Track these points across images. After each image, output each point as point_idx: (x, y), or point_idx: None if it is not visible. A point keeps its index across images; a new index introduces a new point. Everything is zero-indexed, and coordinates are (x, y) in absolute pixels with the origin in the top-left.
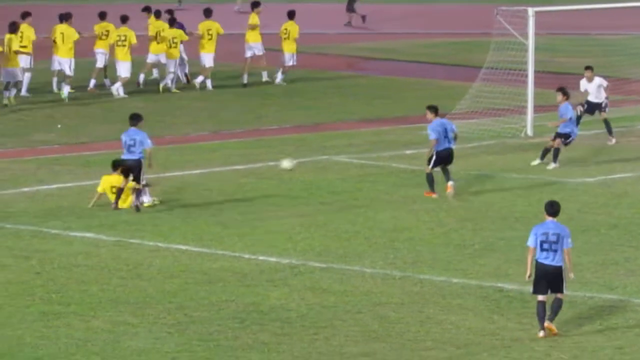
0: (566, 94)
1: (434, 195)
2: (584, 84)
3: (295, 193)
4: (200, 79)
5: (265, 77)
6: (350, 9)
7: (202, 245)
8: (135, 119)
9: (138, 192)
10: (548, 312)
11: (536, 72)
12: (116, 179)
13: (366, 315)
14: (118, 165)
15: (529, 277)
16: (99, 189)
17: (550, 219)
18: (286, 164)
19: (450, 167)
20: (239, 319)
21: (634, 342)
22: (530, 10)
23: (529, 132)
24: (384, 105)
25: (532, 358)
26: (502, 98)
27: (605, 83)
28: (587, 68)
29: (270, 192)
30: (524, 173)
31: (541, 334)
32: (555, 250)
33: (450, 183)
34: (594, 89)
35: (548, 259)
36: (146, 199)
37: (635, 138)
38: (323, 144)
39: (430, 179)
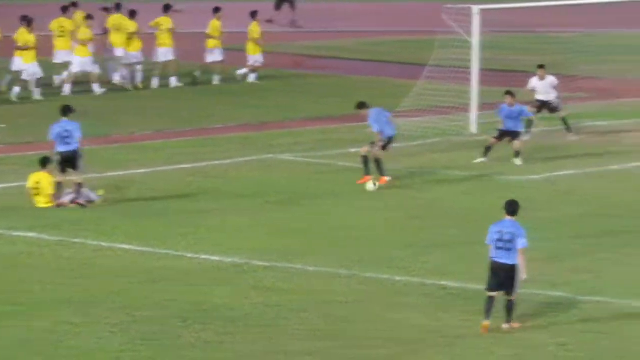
0: (514, 95)
1: (388, 179)
2: (534, 82)
3: (240, 192)
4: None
5: (216, 81)
6: (287, 6)
7: (146, 244)
8: (66, 111)
9: (78, 188)
10: (504, 314)
11: (481, 70)
12: (43, 176)
13: (311, 314)
14: (48, 162)
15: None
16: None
17: (508, 217)
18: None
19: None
20: (182, 318)
21: (577, 339)
22: (475, 8)
23: (473, 129)
24: (331, 104)
25: (475, 355)
26: (447, 96)
27: (556, 82)
28: (540, 67)
29: (215, 191)
30: (468, 170)
31: (485, 322)
32: (509, 249)
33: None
34: (544, 87)
35: (501, 258)
36: (93, 196)
37: (582, 135)
38: (269, 143)
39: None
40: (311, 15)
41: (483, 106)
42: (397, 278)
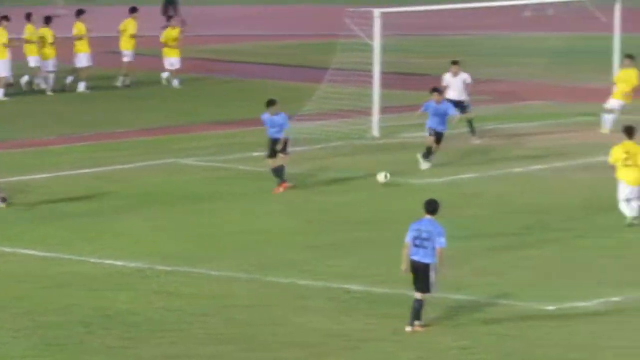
0: (442, 92)
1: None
2: (447, 78)
3: (143, 197)
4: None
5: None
6: (169, 11)
7: (49, 249)
8: None
9: None
10: (410, 316)
11: (383, 73)
12: None
13: (214, 318)
14: None
15: (405, 270)
16: None
17: (427, 217)
18: (380, 178)
19: None
20: (85, 323)
21: (481, 342)
22: (377, 12)
23: (376, 133)
24: (234, 108)
25: (379, 358)
26: (349, 99)
27: (469, 79)
28: (455, 63)
29: (119, 195)
30: (371, 174)
31: (408, 329)
32: (426, 248)
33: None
34: (458, 84)
35: (417, 256)
36: None
37: (485, 139)
38: (173, 147)
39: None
40: (208, 18)
41: (385, 109)
42: (301, 282)
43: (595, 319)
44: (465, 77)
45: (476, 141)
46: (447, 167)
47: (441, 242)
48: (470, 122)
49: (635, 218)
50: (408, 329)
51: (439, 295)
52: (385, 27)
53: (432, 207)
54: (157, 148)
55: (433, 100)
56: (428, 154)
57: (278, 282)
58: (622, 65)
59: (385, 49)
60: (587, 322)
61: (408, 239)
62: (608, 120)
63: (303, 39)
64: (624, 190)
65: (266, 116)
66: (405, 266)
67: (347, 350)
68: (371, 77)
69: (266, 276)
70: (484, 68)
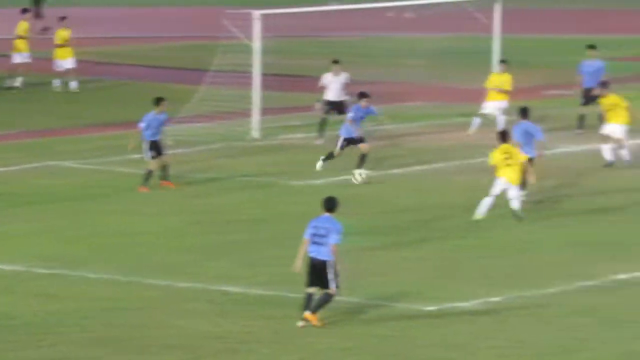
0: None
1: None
2: (327, 77)
3: (22, 199)
4: None
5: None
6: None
7: None
8: None
9: None
10: (312, 305)
11: (263, 74)
12: None
13: (92, 321)
14: None
15: (298, 267)
16: None
17: (326, 214)
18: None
19: None
20: None
21: (362, 343)
22: (256, 13)
23: (255, 134)
24: (114, 110)
25: None
26: (230, 101)
27: (348, 79)
28: (335, 62)
29: None
30: (251, 175)
31: (300, 323)
32: (321, 244)
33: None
34: (337, 84)
35: (314, 252)
36: None
37: (368, 139)
38: (53, 150)
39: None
40: (87, 20)
41: (265, 111)
42: (180, 284)
43: (475, 318)
44: (345, 76)
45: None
46: (328, 168)
47: (335, 238)
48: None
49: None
50: (300, 322)
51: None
52: (264, 28)
53: (329, 204)
54: (37, 150)
55: (360, 104)
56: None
57: (157, 284)
58: (496, 70)
59: (264, 50)
60: (467, 322)
61: (306, 235)
62: (475, 123)
63: (184, 41)
64: (499, 187)
65: (151, 115)
66: (298, 262)
67: (225, 353)
68: (251, 78)
69: (145, 278)
70: (364, 69)
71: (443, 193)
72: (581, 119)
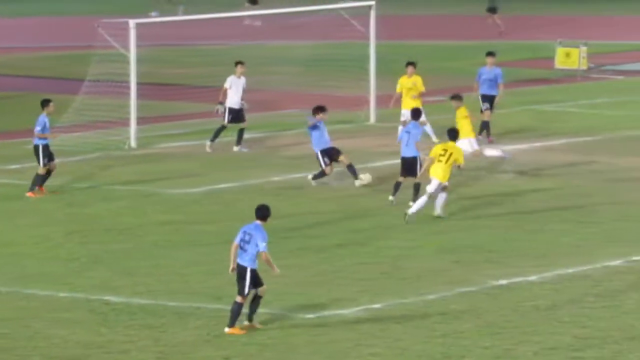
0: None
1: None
2: (231, 80)
3: None
4: None
5: None
6: None
7: None
8: None
9: None
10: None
11: (139, 83)
12: None
13: None
14: None
15: (231, 271)
16: None
17: (257, 221)
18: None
19: None
20: None
21: (241, 351)
22: (131, 22)
23: (133, 143)
24: None
25: None
26: (106, 110)
27: (245, 84)
28: (240, 63)
29: None
30: (129, 185)
31: (226, 330)
32: (245, 250)
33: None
34: (240, 88)
35: (239, 258)
36: None
37: (245, 148)
38: None
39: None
40: None
41: (141, 120)
42: (61, 294)
43: (355, 326)
44: (244, 80)
45: (243, 149)
46: (205, 177)
47: (261, 246)
48: (241, 130)
49: (439, 215)
50: (226, 329)
51: (199, 305)
52: (140, 37)
53: (260, 212)
54: None
55: (318, 119)
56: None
57: (37, 294)
58: (405, 73)
59: (140, 59)
60: (348, 330)
61: (236, 240)
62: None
63: (56, 51)
64: (431, 187)
65: (42, 118)
66: (232, 266)
67: None
68: (127, 87)
69: (24, 288)
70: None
71: (322, 200)
72: (485, 124)
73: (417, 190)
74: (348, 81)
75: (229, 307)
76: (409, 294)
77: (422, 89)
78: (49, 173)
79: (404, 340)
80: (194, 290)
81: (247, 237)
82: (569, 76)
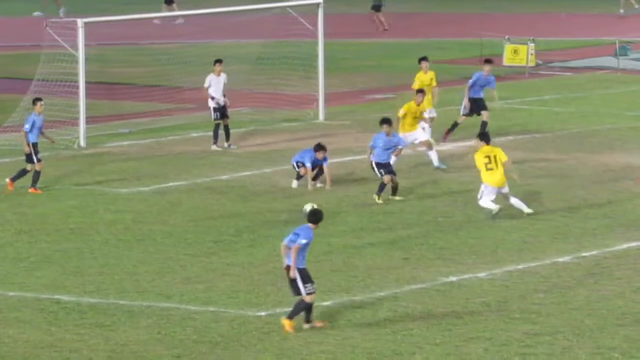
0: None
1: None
2: (211, 78)
3: None
4: None
5: None
6: None
7: None
8: None
9: None
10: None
11: (87, 83)
12: None
13: None
14: None
15: (286, 268)
16: None
17: (308, 224)
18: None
19: None
20: None
21: (192, 350)
22: (79, 21)
23: (82, 143)
24: None
25: None
26: (55, 110)
27: (226, 80)
28: (218, 61)
29: None
30: (79, 184)
31: (306, 325)
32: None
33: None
34: (221, 85)
35: (289, 258)
36: None
37: (233, 146)
38: None
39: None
40: None
41: (90, 119)
42: (11, 293)
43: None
44: (225, 77)
45: (233, 146)
46: (154, 176)
47: (299, 240)
48: (227, 128)
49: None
50: (306, 325)
51: (148, 304)
52: (88, 36)
53: (313, 217)
54: None
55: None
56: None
57: None
58: (420, 69)
59: (88, 59)
60: (298, 328)
61: (285, 240)
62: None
63: (6, 50)
64: (488, 194)
65: (32, 116)
66: (285, 264)
67: None
68: (76, 87)
69: None
70: (185, 76)
71: (272, 198)
72: (455, 125)
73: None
74: (297, 79)
75: (179, 306)
76: (359, 292)
77: (435, 84)
78: (25, 172)
79: (354, 337)
80: (144, 288)
81: (294, 237)
82: (517, 73)
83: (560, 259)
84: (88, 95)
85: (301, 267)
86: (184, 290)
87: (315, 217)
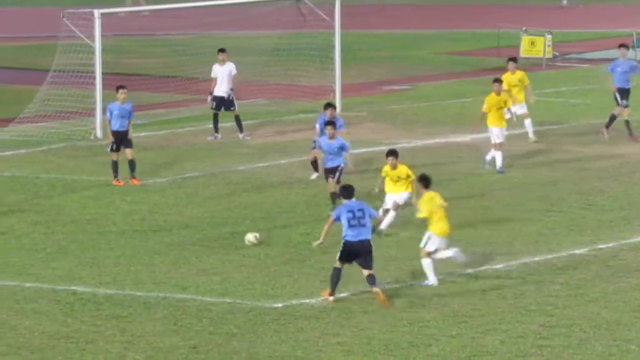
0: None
1: None
2: (216, 68)
3: None
4: None
5: None
6: None
7: None
8: None
9: None
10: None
11: (104, 74)
12: None
13: None
14: None
15: (319, 244)
16: None
17: (347, 201)
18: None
19: None
20: None
21: (208, 341)
22: (96, 12)
23: (98, 134)
24: None
25: (106, 359)
26: (71, 100)
27: (235, 70)
28: (221, 50)
29: None
30: (95, 175)
31: (331, 298)
32: (364, 225)
33: None
34: (226, 74)
35: (358, 236)
36: None
37: (247, 137)
38: None
39: None
40: None
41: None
42: (27, 284)
43: (322, 315)
44: (232, 67)
45: (247, 137)
46: (171, 167)
47: (373, 213)
48: (237, 118)
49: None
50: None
51: (165, 295)
52: (104, 27)
53: (346, 192)
54: None
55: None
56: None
57: (3, 284)
58: (508, 69)
59: (105, 50)
60: (314, 319)
61: (335, 214)
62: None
63: (19, 41)
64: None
65: (115, 105)
66: (322, 240)
67: (73, 352)
68: (93, 78)
69: None
70: (202, 67)
71: (288, 189)
72: (612, 119)
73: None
74: (313, 71)
75: (195, 297)
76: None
77: (527, 82)
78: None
79: (370, 329)
80: (160, 280)
81: (359, 214)
82: (534, 64)
83: (577, 251)
84: (104, 86)
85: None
86: (200, 282)
87: (346, 192)
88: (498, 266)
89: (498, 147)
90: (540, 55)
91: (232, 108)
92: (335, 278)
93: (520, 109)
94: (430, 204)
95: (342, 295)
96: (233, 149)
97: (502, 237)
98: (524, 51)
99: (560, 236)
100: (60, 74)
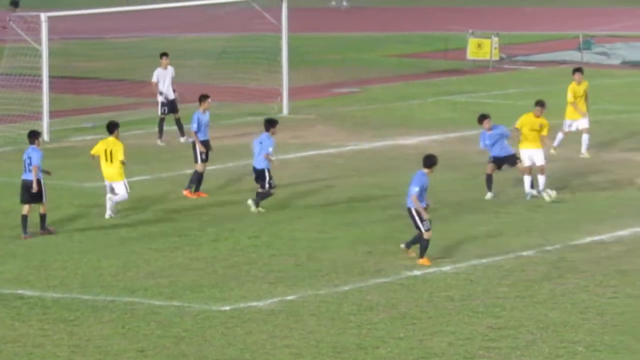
0: None
1: None
2: (158, 72)
3: None
4: None
5: None
6: None
7: None
8: None
9: None
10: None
11: (51, 77)
12: None
13: None
14: None
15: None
16: None
17: (423, 169)
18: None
19: None
20: None
21: (156, 345)
22: (43, 16)
23: (46, 137)
24: None
25: None
26: (18, 104)
27: (173, 73)
28: (163, 55)
29: None
30: (42, 178)
31: (419, 261)
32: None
33: None
34: (169, 79)
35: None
36: None
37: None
38: None
39: None
40: None
41: (53, 113)
42: None
43: (270, 317)
44: (172, 70)
45: (182, 139)
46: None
47: (413, 190)
48: (178, 121)
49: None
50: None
51: (112, 299)
52: (51, 31)
53: (426, 161)
54: None
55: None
56: None
57: None
58: (574, 80)
59: (52, 53)
60: (262, 322)
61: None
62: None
63: None
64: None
65: (197, 115)
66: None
67: (21, 356)
68: (40, 81)
69: None
70: (151, 70)
71: (235, 191)
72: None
73: (259, 198)
74: (261, 73)
75: (143, 300)
76: (323, 286)
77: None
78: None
79: (318, 332)
80: (108, 283)
81: (410, 188)
82: (481, 67)
83: (525, 253)
84: (52, 89)
85: (423, 206)
86: (148, 285)
87: (429, 161)
88: (446, 268)
89: (527, 171)
90: (487, 57)
91: (177, 111)
92: None
93: (582, 123)
94: None
95: (290, 298)
96: (181, 151)
97: (450, 238)
98: (471, 53)
99: (508, 238)
100: (7, 77)
